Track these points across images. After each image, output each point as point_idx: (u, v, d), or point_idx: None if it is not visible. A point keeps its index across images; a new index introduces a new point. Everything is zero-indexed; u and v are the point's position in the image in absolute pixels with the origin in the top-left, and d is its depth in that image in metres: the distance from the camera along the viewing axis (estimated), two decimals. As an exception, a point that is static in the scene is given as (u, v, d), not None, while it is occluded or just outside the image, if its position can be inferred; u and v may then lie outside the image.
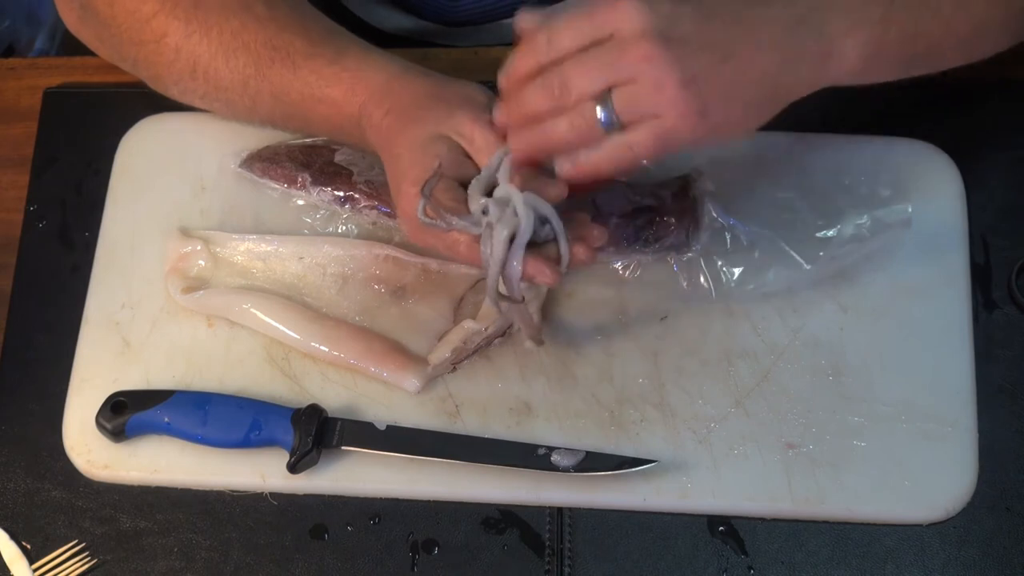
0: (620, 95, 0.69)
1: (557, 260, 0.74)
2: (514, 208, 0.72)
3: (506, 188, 0.73)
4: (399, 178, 0.78)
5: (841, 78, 0.74)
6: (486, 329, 0.85)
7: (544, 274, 0.74)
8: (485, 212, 0.73)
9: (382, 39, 1.02)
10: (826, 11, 0.73)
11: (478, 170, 0.77)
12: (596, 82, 0.69)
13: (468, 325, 0.85)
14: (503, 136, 0.76)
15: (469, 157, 0.77)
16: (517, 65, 0.72)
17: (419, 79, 0.81)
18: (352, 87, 0.81)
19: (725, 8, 0.72)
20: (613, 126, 0.70)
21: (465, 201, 0.75)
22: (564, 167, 0.73)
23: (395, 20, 1.07)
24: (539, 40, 0.71)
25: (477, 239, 0.74)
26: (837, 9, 0.73)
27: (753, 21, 0.72)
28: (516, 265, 0.73)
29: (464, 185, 0.76)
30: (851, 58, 0.73)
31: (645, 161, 0.72)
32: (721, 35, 0.70)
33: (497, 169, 0.75)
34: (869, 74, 0.75)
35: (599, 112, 0.70)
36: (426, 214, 0.73)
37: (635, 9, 0.69)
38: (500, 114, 0.75)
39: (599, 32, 0.70)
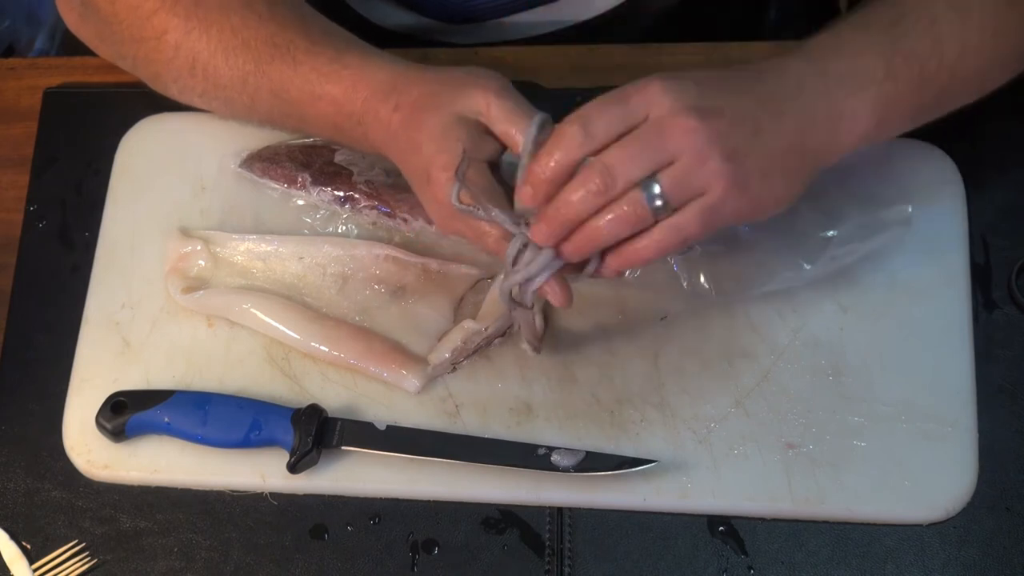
0: (667, 176, 0.68)
1: (582, 268, 0.74)
2: None
3: None
4: (425, 166, 0.77)
5: (859, 139, 0.76)
6: (486, 329, 0.85)
7: (557, 295, 0.75)
8: (528, 223, 0.73)
9: (382, 36, 1.02)
10: (830, 80, 0.74)
11: (498, 143, 0.77)
12: (643, 166, 0.69)
13: (468, 325, 0.85)
14: (522, 115, 0.75)
15: (490, 134, 0.77)
16: (546, 165, 0.70)
17: (423, 73, 0.81)
18: (354, 84, 0.81)
19: (739, 83, 0.72)
20: (661, 210, 0.69)
21: (493, 184, 0.75)
22: (612, 264, 0.73)
23: (396, 17, 1.07)
24: (571, 133, 0.69)
25: (508, 235, 0.74)
26: (839, 76, 0.74)
27: (766, 95, 0.73)
28: (538, 280, 0.74)
29: (490, 164, 0.76)
30: (863, 117, 0.75)
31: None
32: (747, 108, 0.71)
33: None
34: (885, 129, 0.77)
35: (646, 198, 0.69)
36: (460, 200, 0.73)
37: (666, 88, 0.69)
38: (540, 230, 0.71)
39: (634, 117, 0.69)
